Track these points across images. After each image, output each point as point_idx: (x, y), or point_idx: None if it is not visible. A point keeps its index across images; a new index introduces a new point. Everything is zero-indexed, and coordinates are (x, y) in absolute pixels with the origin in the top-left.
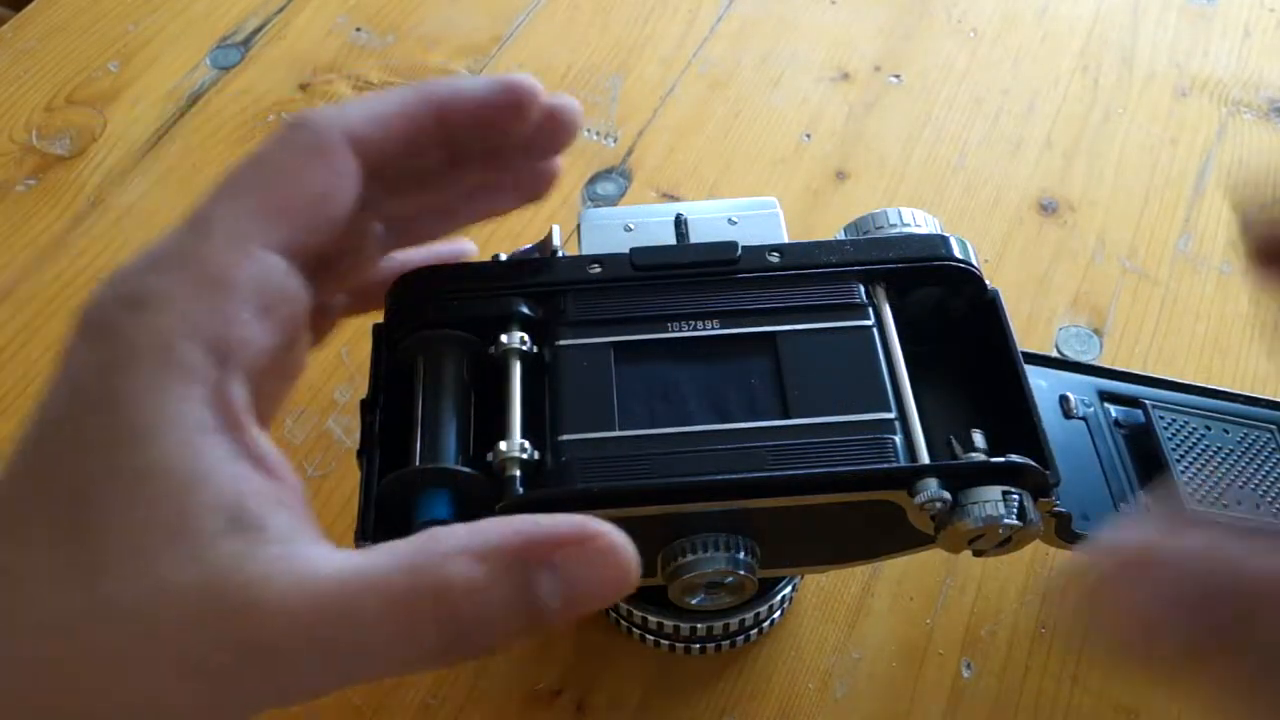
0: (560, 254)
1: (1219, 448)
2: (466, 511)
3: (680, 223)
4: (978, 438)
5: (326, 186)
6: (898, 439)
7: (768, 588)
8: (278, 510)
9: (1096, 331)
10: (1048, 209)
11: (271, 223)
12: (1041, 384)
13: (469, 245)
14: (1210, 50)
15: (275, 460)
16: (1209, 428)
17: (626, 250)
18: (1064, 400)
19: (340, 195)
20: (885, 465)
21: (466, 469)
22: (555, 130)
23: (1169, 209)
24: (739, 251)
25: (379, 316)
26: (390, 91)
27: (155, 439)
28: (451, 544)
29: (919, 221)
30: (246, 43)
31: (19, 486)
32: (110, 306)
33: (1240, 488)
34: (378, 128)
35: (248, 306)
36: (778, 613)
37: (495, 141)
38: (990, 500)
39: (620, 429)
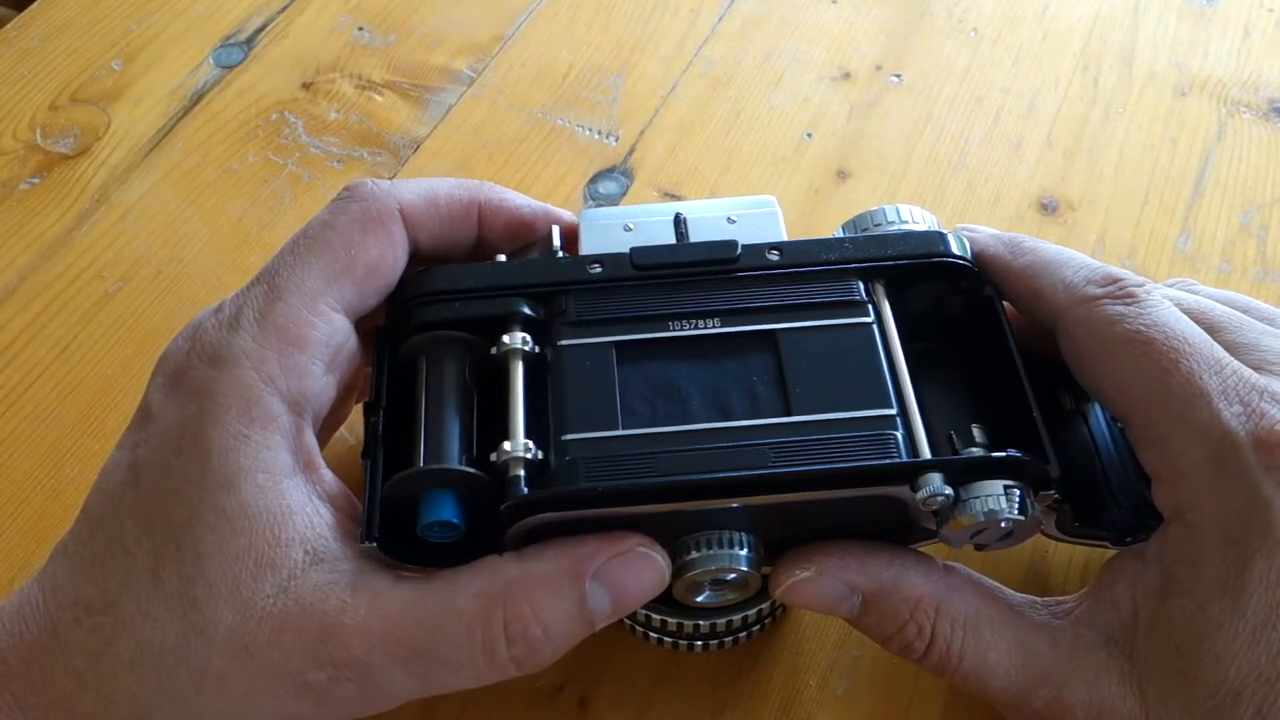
0: (560, 254)
1: None
2: (471, 512)
3: (679, 222)
4: (978, 433)
5: (382, 255)
6: (899, 434)
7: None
8: (349, 543)
9: None
10: (1048, 208)
11: (336, 285)
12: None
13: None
14: (1210, 50)
15: (343, 495)
16: None
17: (626, 250)
18: (1062, 395)
19: (393, 263)
20: (888, 461)
21: (471, 469)
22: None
23: (1169, 209)
24: (738, 250)
25: None
26: (443, 179)
27: (244, 483)
28: (515, 574)
29: (916, 218)
30: (249, 42)
31: (120, 528)
32: (195, 363)
33: None
34: (428, 205)
35: (318, 362)
36: (779, 609)
37: (517, 246)
38: (992, 494)
39: (623, 428)
